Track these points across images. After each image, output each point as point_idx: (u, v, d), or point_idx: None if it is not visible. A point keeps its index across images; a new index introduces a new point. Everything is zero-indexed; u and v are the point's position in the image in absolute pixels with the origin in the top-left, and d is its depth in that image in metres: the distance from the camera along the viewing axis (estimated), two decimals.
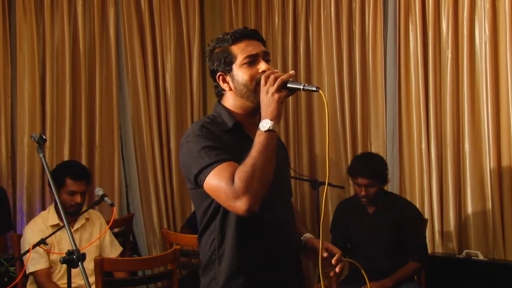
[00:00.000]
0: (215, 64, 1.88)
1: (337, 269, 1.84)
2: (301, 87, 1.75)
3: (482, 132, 3.66)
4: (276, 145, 1.75)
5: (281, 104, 1.74)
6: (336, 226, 3.62)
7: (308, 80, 4.45)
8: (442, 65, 3.82)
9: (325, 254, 1.85)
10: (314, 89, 1.74)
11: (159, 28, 4.65)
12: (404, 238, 3.36)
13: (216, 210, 1.82)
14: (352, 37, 4.26)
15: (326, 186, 1.86)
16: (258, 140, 1.71)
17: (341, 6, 4.27)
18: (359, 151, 4.18)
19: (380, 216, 3.43)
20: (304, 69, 4.47)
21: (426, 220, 3.69)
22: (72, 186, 3.27)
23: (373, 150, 4.12)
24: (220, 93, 1.93)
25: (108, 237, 3.49)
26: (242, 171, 1.67)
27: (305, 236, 2.00)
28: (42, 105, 4.23)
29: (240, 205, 1.67)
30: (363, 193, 3.37)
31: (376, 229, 3.41)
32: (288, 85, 1.75)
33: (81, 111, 4.36)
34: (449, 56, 3.76)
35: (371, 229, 3.43)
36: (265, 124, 1.71)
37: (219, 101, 1.94)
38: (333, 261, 1.84)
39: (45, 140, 2.21)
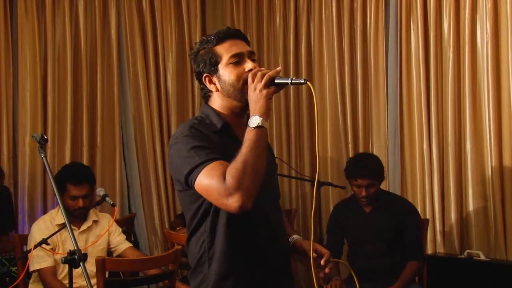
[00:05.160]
0: (200, 66, 1.87)
1: (326, 270, 1.85)
2: (289, 81, 1.76)
3: (484, 132, 3.66)
4: (266, 142, 1.74)
5: (269, 100, 1.74)
6: (333, 228, 3.62)
7: (310, 80, 4.41)
8: (444, 64, 3.81)
9: (313, 255, 1.85)
10: (302, 81, 1.74)
11: (160, 28, 4.65)
12: (402, 236, 3.37)
13: (206, 211, 1.80)
14: (353, 37, 4.25)
15: (316, 181, 1.87)
16: (248, 137, 1.70)
17: (342, 6, 4.26)
18: (361, 151, 4.18)
19: (377, 215, 3.43)
20: (305, 69, 4.47)
21: (428, 220, 3.69)
22: (74, 191, 3.23)
23: (375, 150, 4.12)
24: (206, 95, 1.91)
25: (117, 236, 3.44)
26: (233, 168, 1.66)
27: (293, 238, 1.99)
28: (43, 105, 4.24)
29: (232, 202, 1.64)
30: (363, 193, 3.36)
31: (374, 227, 3.42)
32: (276, 80, 1.76)
33: (82, 111, 4.37)
34: (451, 55, 3.75)
35: (369, 228, 3.43)
36: (254, 120, 1.70)
37: (206, 103, 1.92)
38: (322, 262, 1.84)
39: (46, 140, 2.20)
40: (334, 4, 4.28)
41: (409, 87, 3.97)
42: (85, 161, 4.24)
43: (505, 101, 3.57)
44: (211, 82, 1.87)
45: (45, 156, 2.16)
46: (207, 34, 1.91)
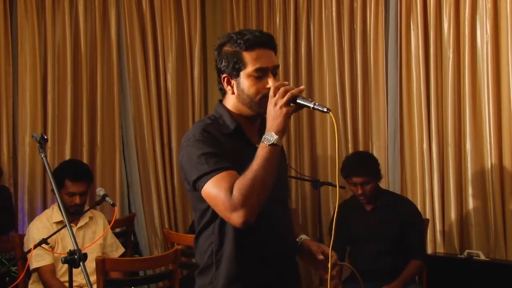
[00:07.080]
0: (223, 65, 1.84)
1: (333, 272, 1.84)
2: (311, 105, 1.69)
3: (484, 131, 3.66)
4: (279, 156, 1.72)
5: (288, 119, 1.70)
6: (338, 226, 3.60)
7: (309, 80, 4.45)
8: (444, 64, 3.81)
9: (320, 257, 1.85)
10: (325, 110, 1.68)
11: (160, 28, 4.65)
12: (404, 236, 3.38)
13: (214, 213, 1.79)
14: (353, 37, 4.25)
15: (336, 209, 1.85)
16: (261, 153, 1.68)
17: (342, 6, 4.26)
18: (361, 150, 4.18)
19: (379, 214, 3.44)
20: (305, 69, 4.47)
21: (428, 220, 3.69)
22: (71, 187, 3.26)
23: (375, 150, 4.12)
24: (223, 91, 1.90)
25: (110, 238, 3.49)
26: (241, 183, 1.66)
27: (301, 238, 1.98)
28: (43, 104, 4.24)
29: (236, 218, 1.66)
30: (359, 191, 3.38)
31: (376, 226, 3.42)
32: (298, 100, 1.71)
33: (82, 111, 4.37)
34: (451, 56, 3.75)
35: (370, 226, 3.44)
36: (270, 137, 1.68)
37: (221, 101, 1.92)
38: (329, 265, 1.83)
39: (46, 140, 2.20)
40: (334, 4, 4.28)
41: (409, 87, 3.97)
42: (85, 161, 4.23)
43: (505, 101, 3.57)
44: (229, 83, 1.85)
45: (45, 156, 2.16)
46: (239, 32, 1.84)
